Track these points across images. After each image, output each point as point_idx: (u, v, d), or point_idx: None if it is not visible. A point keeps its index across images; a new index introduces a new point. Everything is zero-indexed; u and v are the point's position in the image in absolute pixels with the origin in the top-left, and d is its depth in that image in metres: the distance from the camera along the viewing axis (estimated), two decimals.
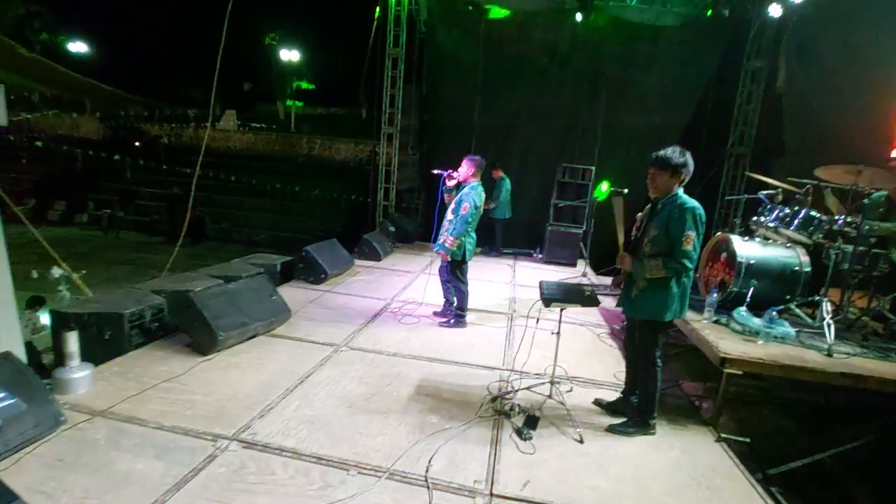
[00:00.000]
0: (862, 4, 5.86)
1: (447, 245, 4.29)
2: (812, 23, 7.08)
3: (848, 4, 6.12)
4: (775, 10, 7.50)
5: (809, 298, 3.57)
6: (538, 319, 3.19)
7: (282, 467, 2.29)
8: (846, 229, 3.43)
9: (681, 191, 2.66)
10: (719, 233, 4.11)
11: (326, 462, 2.35)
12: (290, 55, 24.57)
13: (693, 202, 2.58)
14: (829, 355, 2.98)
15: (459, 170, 4.30)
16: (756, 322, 3.32)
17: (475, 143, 9.43)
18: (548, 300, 2.83)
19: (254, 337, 3.77)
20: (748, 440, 2.82)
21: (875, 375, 2.75)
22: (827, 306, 3.29)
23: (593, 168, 8.07)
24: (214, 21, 5.15)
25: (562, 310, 2.97)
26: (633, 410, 2.96)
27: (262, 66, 25.79)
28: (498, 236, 8.57)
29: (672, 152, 2.63)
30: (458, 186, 4.35)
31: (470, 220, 4.21)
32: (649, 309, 2.71)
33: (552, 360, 3.18)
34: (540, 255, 8.57)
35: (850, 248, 3.37)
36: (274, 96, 26.52)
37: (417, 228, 9.58)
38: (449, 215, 4.34)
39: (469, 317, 4.64)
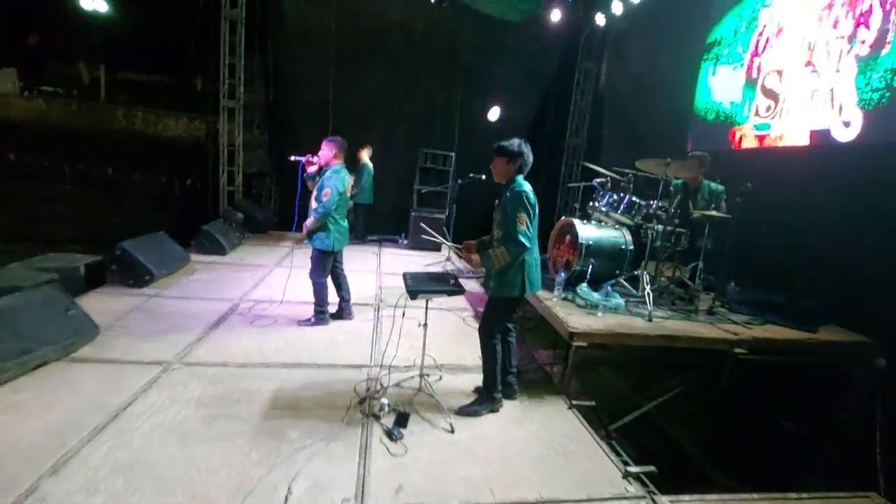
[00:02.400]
0: (661, 22, 6.95)
1: (306, 225, 3.95)
2: (626, 32, 8.22)
3: (651, 20, 7.20)
4: (600, 20, 8.48)
5: (633, 272, 4.14)
6: (404, 313, 3.06)
7: None
8: (658, 212, 4.03)
9: (520, 178, 2.78)
10: (564, 217, 4.51)
11: None
12: (93, 3, 19.88)
13: (523, 187, 2.72)
14: (650, 320, 3.49)
15: (319, 153, 3.93)
16: (595, 296, 3.71)
17: (332, 123, 8.90)
18: (413, 292, 2.72)
19: (43, 365, 2.91)
20: (593, 403, 3.14)
21: (682, 335, 3.30)
22: (645, 278, 3.84)
23: (454, 154, 8.24)
24: None
25: (428, 300, 2.89)
26: (510, 389, 3.10)
27: (54, 14, 20.46)
28: (360, 223, 8.25)
29: (509, 142, 2.77)
30: (321, 171, 3.99)
31: (334, 206, 3.89)
32: (499, 287, 2.82)
33: (421, 351, 3.11)
34: (405, 241, 8.54)
35: (660, 227, 3.97)
36: (74, 54, 21.32)
37: (271, 217, 8.71)
38: (313, 203, 3.95)
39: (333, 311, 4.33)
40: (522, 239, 2.64)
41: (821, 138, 4.29)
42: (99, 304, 3.91)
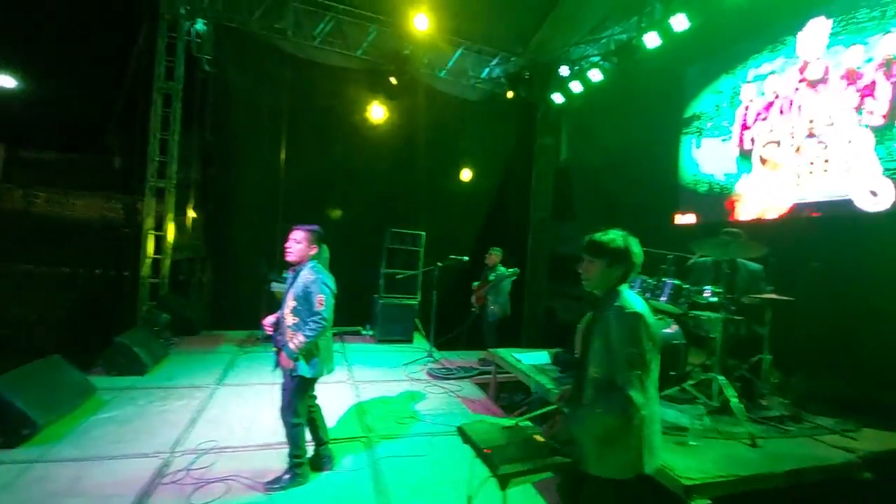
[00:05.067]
0: (627, 98, 7.04)
1: (291, 346, 2.82)
2: (589, 109, 8.32)
3: (616, 97, 7.31)
4: (558, 98, 8.60)
5: (688, 372, 3.42)
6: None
7: None
8: (711, 299, 3.44)
9: (625, 288, 1.92)
10: None
11: None
12: (1, 80, 17.94)
13: (639, 305, 1.83)
14: (754, 445, 2.71)
15: (294, 245, 2.93)
16: (672, 414, 2.89)
17: (282, 202, 7.95)
18: (505, 476, 1.67)
19: None
20: None
21: (810, 466, 2.53)
22: (721, 382, 3.12)
23: (423, 233, 7.50)
24: None
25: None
26: None
27: None
28: None
29: (608, 237, 1.92)
30: (294, 270, 3.00)
31: (329, 315, 2.86)
32: (605, 464, 1.80)
33: None
34: (370, 333, 7.41)
35: (717, 315, 3.34)
36: None
37: (202, 314, 7.22)
38: (289, 318, 2.87)
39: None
40: (634, 394, 1.69)
41: (841, 208, 4.07)
42: None
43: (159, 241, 7.28)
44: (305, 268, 2.92)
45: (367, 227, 8.38)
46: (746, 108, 5.10)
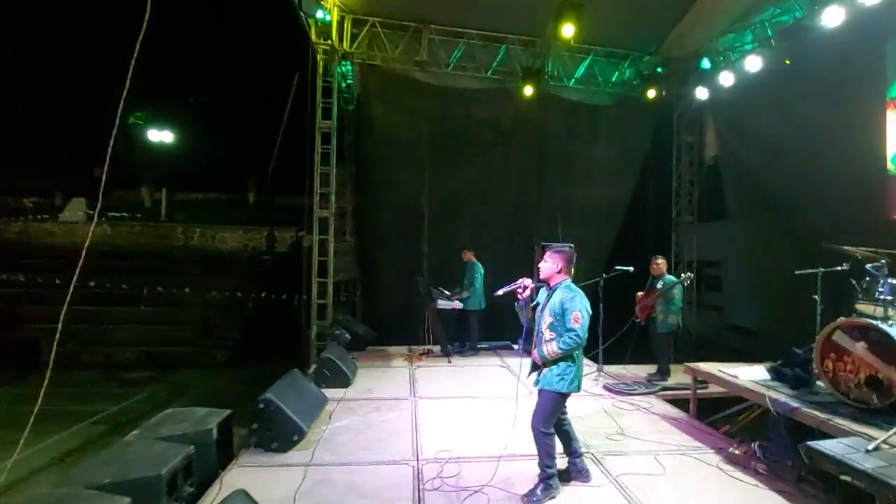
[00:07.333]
0: (799, 87, 6.35)
1: (547, 353, 2.94)
2: (742, 101, 7.65)
3: (783, 87, 6.63)
4: (702, 94, 8.06)
5: None
6: None
7: None
8: None
9: None
10: (842, 318, 3.40)
11: None
12: (161, 136, 21.51)
13: None
14: None
15: (543, 265, 3.09)
16: None
17: (426, 223, 8.38)
18: None
19: None
20: None
21: None
22: None
23: (570, 245, 7.37)
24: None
25: None
26: None
27: (123, 148, 22.12)
28: (473, 331, 7.26)
29: None
30: (537, 292, 3.21)
31: (584, 334, 2.92)
32: None
33: None
34: (518, 347, 7.43)
35: None
36: (138, 181, 22.66)
37: (369, 331, 7.78)
38: (546, 334, 2.99)
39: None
40: None
41: None
42: (258, 492, 2.78)
43: (325, 266, 8.00)
44: (560, 287, 3.03)
45: (506, 241, 8.50)
46: None
